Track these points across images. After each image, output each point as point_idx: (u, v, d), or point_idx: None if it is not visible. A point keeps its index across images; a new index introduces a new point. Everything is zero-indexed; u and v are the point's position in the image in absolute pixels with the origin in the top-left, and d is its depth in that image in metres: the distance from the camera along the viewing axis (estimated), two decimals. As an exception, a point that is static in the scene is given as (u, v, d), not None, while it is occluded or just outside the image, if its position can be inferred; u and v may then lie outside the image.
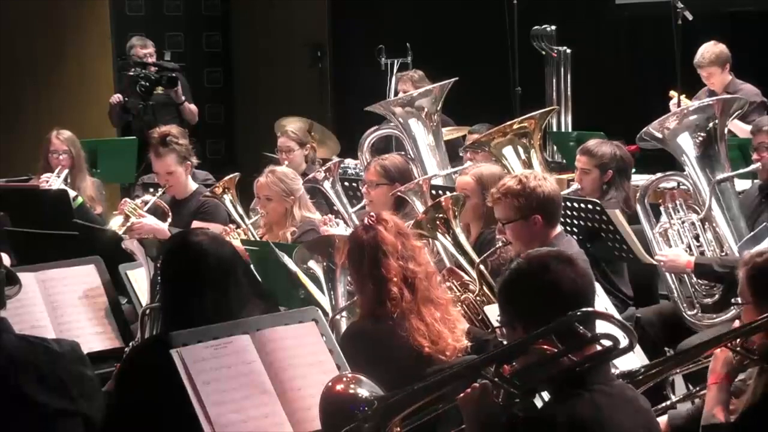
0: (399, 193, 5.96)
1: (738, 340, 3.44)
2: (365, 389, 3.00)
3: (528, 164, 6.42)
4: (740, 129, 7.49)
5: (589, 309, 2.90)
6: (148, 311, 4.41)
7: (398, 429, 3.01)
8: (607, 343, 2.89)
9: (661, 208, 5.56)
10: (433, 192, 5.97)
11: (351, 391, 3.00)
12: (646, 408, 3.03)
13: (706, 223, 5.47)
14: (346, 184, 6.77)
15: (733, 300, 3.71)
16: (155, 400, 3.32)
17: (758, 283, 3.49)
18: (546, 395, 2.98)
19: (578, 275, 2.98)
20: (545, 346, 2.89)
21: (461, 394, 2.98)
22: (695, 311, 5.40)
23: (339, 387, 3.03)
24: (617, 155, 6.03)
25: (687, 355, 3.49)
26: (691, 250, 5.46)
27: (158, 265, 4.14)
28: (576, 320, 2.86)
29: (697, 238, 5.49)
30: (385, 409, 2.94)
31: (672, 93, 8.25)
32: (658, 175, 5.72)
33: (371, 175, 6.19)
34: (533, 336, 2.90)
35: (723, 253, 5.43)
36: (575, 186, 6.12)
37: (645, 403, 3.06)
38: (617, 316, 3.04)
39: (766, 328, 3.39)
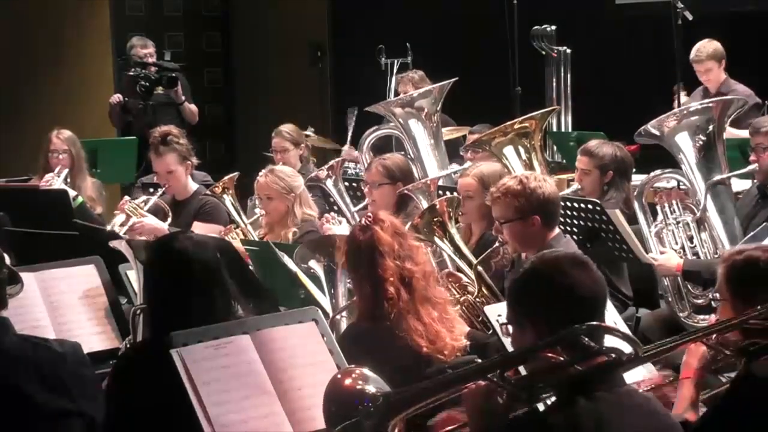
0: (406, 191, 5.97)
1: (714, 336, 3.44)
2: (372, 385, 3.00)
3: (528, 164, 6.42)
4: (731, 135, 7.49)
5: (594, 323, 2.89)
6: (138, 311, 4.41)
7: (399, 430, 3.01)
8: (612, 355, 2.89)
9: (658, 207, 5.58)
10: (439, 192, 5.98)
11: (358, 387, 3.00)
12: (659, 412, 3.01)
13: (701, 224, 5.50)
14: (347, 184, 6.77)
15: (711, 295, 3.70)
16: (152, 401, 3.33)
17: (736, 281, 3.47)
18: (550, 400, 2.99)
19: (592, 280, 2.97)
20: (550, 355, 2.89)
21: (465, 390, 2.98)
22: (688, 312, 5.43)
23: (347, 381, 3.03)
24: (618, 156, 6.04)
25: (660, 348, 3.48)
26: (684, 251, 5.48)
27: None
28: (581, 333, 2.86)
29: (691, 239, 5.51)
30: (387, 406, 2.94)
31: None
32: (656, 172, 5.72)
33: (373, 176, 6.19)
34: (539, 346, 2.90)
35: (716, 255, 5.45)
36: (575, 186, 6.13)
37: (658, 406, 3.03)
38: (623, 328, 3.02)
39: (743, 327, 3.39)
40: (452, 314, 4.36)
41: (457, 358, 4.18)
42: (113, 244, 4.98)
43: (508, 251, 5.17)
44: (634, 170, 6.26)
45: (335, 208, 6.65)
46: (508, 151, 6.43)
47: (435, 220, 5.15)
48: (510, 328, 3.04)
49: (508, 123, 6.55)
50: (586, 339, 2.85)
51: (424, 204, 5.83)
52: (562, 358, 2.87)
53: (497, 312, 4.01)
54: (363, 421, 2.92)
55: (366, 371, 3.04)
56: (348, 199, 6.59)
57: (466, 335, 4.33)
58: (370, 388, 2.99)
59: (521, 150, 6.44)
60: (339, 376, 3.08)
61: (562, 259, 3.03)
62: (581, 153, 6.12)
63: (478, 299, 4.88)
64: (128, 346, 4.40)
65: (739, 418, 3.18)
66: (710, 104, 5.83)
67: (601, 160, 6.02)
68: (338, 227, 6.08)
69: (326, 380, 3.16)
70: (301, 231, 6.04)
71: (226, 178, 6.62)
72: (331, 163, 6.76)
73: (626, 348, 2.90)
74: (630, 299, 5.73)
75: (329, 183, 6.59)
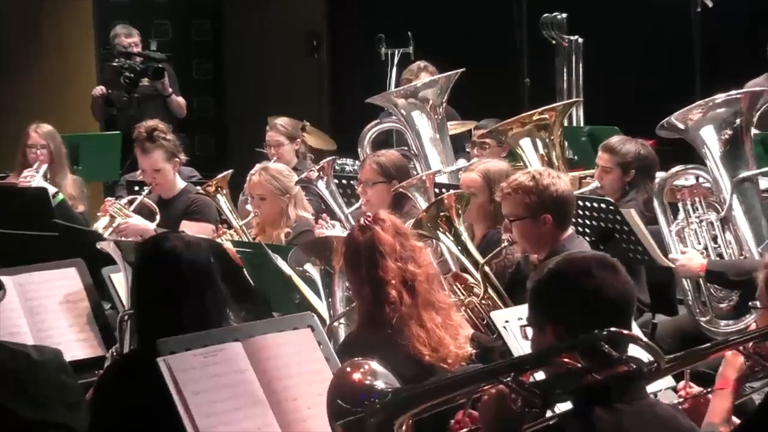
0: (401, 189, 5.95)
1: (751, 344, 3.44)
2: (381, 381, 3.00)
3: (547, 160, 6.41)
4: None
5: (615, 330, 2.88)
6: (126, 317, 4.41)
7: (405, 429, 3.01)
8: (632, 365, 2.88)
9: (679, 205, 5.56)
10: (437, 190, 5.96)
11: (367, 381, 2.99)
12: (686, 426, 3.00)
13: (726, 223, 5.48)
14: (344, 182, 6.75)
15: (750, 303, 3.70)
16: (139, 412, 3.32)
17: None
18: (565, 406, 2.99)
19: (621, 283, 2.96)
20: (567, 360, 2.88)
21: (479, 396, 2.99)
22: (710, 316, 5.42)
23: (355, 375, 3.02)
24: (641, 154, 6.00)
25: (693, 356, 3.47)
26: (707, 251, 5.47)
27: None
28: (602, 339, 2.86)
29: (715, 239, 5.50)
30: (395, 403, 2.94)
31: None
32: (678, 167, 5.69)
33: (367, 174, 6.17)
34: (556, 349, 2.90)
35: (741, 256, 5.44)
36: (594, 184, 6.11)
37: (683, 421, 3.03)
38: (644, 338, 3.02)
39: None
40: (456, 320, 4.34)
41: (461, 367, 4.17)
42: (101, 245, 4.98)
43: (512, 251, 5.17)
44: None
45: (331, 207, 6.63)
46: (525, 143, 6.42)
47: (441, 214, 5.14)
48: (529, 330, 3.04)
49: (526, 113, 6.53)
50: (606, 346, 2.85)
51: (421, 201, 5.82)
52: (579, 365, 2.86)
53: (504, 318, 4.01)
54: (367, 417, 2.91)
55: (375, 366, 3.03)
56: (341, 201, 6.56)
57: (469, 339, 4.32)
58: (379, 384, 2.98)
59: (539, 143, 6.43)
60: (348, 368, 3.07)
61: (589, 260, 3.02)
62: (602, 149, 6.10)
63: (483, 301, 4.88)
64: (114, 355, 4.40)
65: None
66: (738, 96, 5.80)
67: (624, 158, 6.00)
68: (330, 231, 6.06)
69: (323, 390, 3.15)
70: (295, 231, 6.04)
71: (219, 176, 6.60)
72: (321, 163, 6.71)
73: (648, 358, 2.89)
74: (647, 306, 5.72)
75: (321, 184, 6.55)
